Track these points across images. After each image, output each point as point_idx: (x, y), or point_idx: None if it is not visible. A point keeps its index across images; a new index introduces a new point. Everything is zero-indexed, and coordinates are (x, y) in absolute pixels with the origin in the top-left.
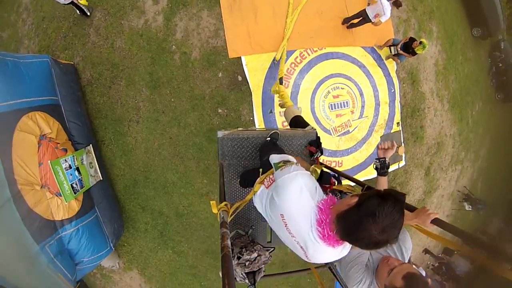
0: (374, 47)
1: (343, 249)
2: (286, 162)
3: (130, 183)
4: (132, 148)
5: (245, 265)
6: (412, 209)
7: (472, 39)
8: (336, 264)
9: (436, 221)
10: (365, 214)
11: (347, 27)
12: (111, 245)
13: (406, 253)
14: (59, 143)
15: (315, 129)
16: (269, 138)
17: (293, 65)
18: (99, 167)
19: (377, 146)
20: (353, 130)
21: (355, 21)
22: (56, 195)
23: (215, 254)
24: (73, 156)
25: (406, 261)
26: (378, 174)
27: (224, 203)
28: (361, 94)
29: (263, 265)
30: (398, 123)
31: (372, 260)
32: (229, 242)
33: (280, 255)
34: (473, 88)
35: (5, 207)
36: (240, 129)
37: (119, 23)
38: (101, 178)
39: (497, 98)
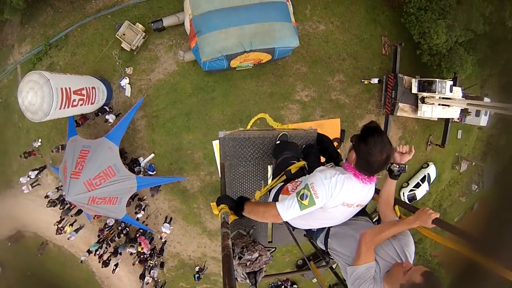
0: None
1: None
2: (306, 184)
3: None
4: None
5: (246, 265)
6: (412, 209)
7: None
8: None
9: (437, 221)
10: (365, 154)
11: None
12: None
13: (410, 258)
14: None
15: (315, 129)
16: (278, 142)
17: None
18: None
19: (395, 149)
20: None
21: None
22: None
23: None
24: None
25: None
26: (390, 177)
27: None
28: None
29: (264, 265)
30: None
31: (380, 270)
32: (230, 242)
33: None
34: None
35: None
36: (241, 129)
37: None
38: None
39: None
